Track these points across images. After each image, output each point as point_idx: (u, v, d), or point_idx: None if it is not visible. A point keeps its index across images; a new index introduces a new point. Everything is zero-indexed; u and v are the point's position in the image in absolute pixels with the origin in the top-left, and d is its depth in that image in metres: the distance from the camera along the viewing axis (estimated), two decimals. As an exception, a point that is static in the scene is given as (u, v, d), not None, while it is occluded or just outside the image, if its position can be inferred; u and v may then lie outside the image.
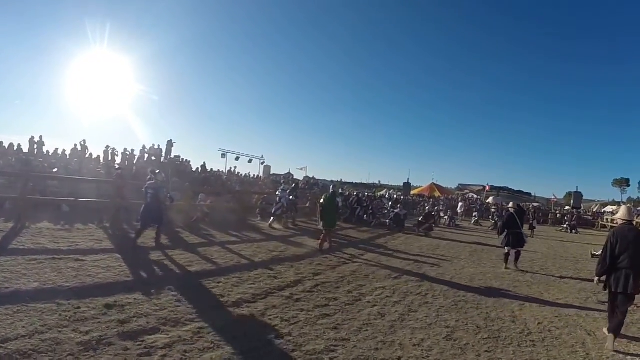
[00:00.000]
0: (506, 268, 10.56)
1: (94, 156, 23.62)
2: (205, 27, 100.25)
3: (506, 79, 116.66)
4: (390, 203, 22.91)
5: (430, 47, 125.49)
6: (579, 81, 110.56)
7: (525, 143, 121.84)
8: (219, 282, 6.82)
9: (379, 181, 73.71)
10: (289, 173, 34.74)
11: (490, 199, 44.49)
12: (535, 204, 45.18)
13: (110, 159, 24.44)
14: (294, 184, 19.55)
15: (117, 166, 18.53)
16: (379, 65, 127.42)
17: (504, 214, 13.71)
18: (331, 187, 13.52)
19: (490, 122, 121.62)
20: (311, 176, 36.16)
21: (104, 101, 53.91)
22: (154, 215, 9.26)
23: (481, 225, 26.89)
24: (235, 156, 34.79)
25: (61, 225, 10.25)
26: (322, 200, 11.85)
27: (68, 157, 21.89)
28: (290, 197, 16.17)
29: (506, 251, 10.65)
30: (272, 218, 15.44)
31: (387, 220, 18.85)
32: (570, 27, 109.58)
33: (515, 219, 10.58)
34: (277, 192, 16.22)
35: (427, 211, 19.62)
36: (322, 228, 11.59)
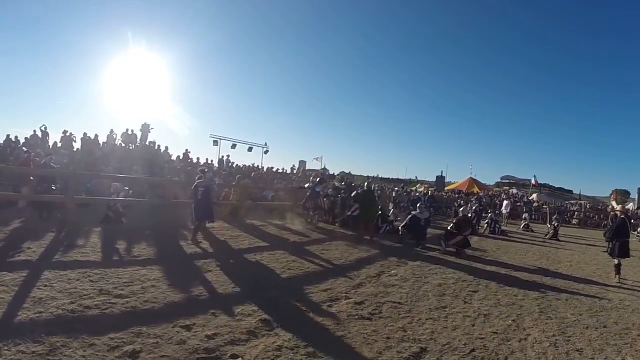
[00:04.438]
0: (619, 280, 9.34)
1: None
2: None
3: (564, 68, 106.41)
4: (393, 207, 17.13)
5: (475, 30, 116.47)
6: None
7: (566, 134, 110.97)
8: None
9: (416, 176, 68.88)
10: (324, 168, 31.45)
11: (533, 196, 38.44)
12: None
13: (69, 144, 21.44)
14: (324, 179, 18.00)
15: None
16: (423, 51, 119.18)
17: (611, 220, 11.53)
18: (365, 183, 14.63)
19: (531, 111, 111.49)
20: (347, 171, 32.87)
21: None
22: (207, 212, 9.79)
23: (532, 231, 20.66)
24: (231, 143, 29.31)
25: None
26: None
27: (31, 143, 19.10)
28: (319, 191, 14.85)
29: (617, 262, 9.55)
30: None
31: (400, 228, 12.65)
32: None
33: (627, 225, 9.77)
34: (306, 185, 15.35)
35: (459, 215, 12.69)
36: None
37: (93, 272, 6.25)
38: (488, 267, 9.53)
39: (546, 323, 5.74)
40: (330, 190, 14.87)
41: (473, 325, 5.38)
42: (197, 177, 10.31)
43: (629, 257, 9.70)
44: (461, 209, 12.54)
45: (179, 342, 4.11)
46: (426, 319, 5.41)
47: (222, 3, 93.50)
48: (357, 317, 5.27)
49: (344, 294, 6.23)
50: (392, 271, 8.16)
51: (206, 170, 10.79)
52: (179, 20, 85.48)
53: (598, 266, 11.02)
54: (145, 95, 49.65)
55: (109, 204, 11.46)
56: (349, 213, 13.97)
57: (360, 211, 12.47)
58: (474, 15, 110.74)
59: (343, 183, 20.12)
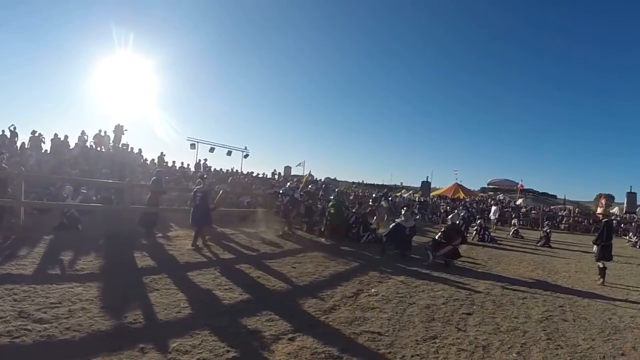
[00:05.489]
0: (603, 284, 9.28)
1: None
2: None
3: (549, 73, 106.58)
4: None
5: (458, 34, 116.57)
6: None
7: (548, 139, 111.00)
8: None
9: (401, 182, 67.92)
10: (310, 174, 30.20)
11: (519, 201, 37.90)
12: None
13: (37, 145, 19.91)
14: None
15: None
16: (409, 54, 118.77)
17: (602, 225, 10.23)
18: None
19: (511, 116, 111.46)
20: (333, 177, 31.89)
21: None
22: (203, 217, 9.98)
23: (522, 237, 19.87)
24: (209, 146, 28.10)
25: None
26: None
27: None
28: (296, 196, 13.47)
29: (602, 265, 9.54)
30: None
31: (383, 237, 11.60)
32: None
33: (612, 229, 10.14)
34: (281, 191, 13.94)
35: (448, 222, 11.50)
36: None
37: (21, 288, 5.34)
38: (481, 282, 8.49)
39: (557, 354, 4.77)
40: (301, 195, 13.67)
41: (470, 362, 4.34)
42: (197, 182, 10.98)
43: (611, 259, 9.90)
44: (450, 217, 11.45)
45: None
46: (411, 356, 4.35)
47: (200, 8, 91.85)
48: (323, 356, 4.19)
49: (311, 323, 5.14)
50: (372, 289, 7.04)
51: (205, 176, 11.70)
52: (162, 22, 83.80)
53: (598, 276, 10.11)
54: (123, 97, 48.04)
55: (63, 210, 10.36)
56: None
57: (330, 215, 12.86)
58: (459, 20, 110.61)
59: (310, 186, 18.23)
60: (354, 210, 14.12)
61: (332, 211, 13.05)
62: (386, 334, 4.95)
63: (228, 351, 4.06)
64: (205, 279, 6.86)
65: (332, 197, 13.86)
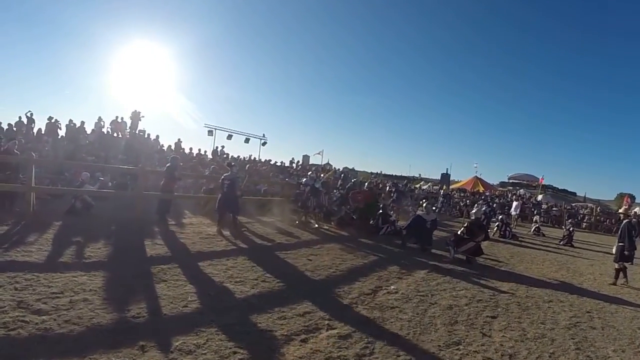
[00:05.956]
0: (616, 284, 9.18)
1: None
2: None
3: (572, 68, 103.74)
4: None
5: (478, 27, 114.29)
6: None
7: (570, 134, 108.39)
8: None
9: (420, 174, 66.66)
10: (328, 163, 29.84)
11: (540, 197, 36.65)
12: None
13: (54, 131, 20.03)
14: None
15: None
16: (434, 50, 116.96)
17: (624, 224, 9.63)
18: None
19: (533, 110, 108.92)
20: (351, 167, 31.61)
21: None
22: (231, 204, 10.08)
23: (544, 235, 19.06)
24: (226, 134, 27.85)
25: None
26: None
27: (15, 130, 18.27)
28: (317, 186, 13.01)
29: (617, 266, 9.36)
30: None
31: (403, 230, 11.18)
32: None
33: (630, 229, 9.31)
34: (303, 181, 13.71)
35: (472, 217, 10.70)
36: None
37: (24, 277, 5.10)
38: (505, 282, 8.03)
39: (587, 366, 4.35)
40: (320, 184, 13.26)
41: (497, 372, 3.96)
42: (227, 169, 11.09)
43: (631, 262, 9.44)
44: (473, 212, 10.90)
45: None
46: (435, 364, 3.98)
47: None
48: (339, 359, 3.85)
49: (327, 321, 4.78)
50: (392, 286, 6.66)
51: (233, 164, 11.96)
52: (181, 9, 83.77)
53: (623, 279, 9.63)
54: (141, 84, 48.12)
55: (75, 195, 10.21)
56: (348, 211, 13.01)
57: (361, 209, 12.53)
58: (482, 14, 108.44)
59: (321, 175, 17.84)
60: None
61: (361, 206, 12.79)
62: (406, 338, 4.58)
63: (235, 352, 3.74)
64: (217, 270, 6.55)
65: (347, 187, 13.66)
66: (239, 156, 26.10)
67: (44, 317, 4.05)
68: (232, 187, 10.07)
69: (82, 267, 5.85)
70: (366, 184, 17.70)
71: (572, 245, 15.99)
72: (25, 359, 3.28)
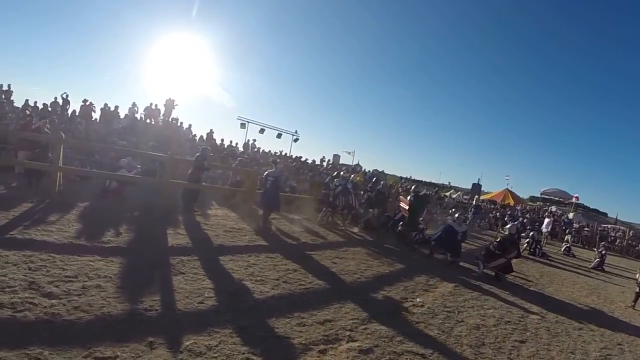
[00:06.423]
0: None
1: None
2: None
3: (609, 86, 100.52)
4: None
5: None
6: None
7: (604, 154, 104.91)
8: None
9: (449, 182, 65.41)
10: (358, 164, 29.52)
11: (571, 215, 35.34)
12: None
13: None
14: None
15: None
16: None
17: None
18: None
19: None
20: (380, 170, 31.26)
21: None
22: (273, 201, 10.05)
23: (574, 256, 18.26)
24: (259, 127, 27.78)
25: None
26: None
27: (50, 110, 18.33)
28: (348, 186, 12.55)
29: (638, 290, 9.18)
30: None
31: (432, 239, 10.74)
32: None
33: None
34: (335, 181, 12.85)
35: (505, 232, 10.42)
36: None
37: (40, 256, 4.97)
38: (534, 303, 7.60)
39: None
40: (351, 185, 12.88)
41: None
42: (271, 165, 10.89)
43: None
44: (508, 226, 10.39)
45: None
46: (462, 392, 3.65)
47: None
48: (357, 379, 3.55)
49: (348, 332, 4.49)
50: (418, 299, 6.32)
51: (278, 161, 11.82)
52: (218, 1, 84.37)
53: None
54: (179, 74, 48.63)
55: (106, 178, 10.24)
56: (396, 218, 12.66)
57: (408, 218, 11.90)
58: (533, 33, 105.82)
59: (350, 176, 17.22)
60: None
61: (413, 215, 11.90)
62: (431, 358, 4.25)
63: (248, 359, 3.49)
64: (237, 266, 6.32)
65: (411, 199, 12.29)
66: (269, 151, 25.95)
67: (53, 301, 3.91)
68: (275, 183, 10.00)
69: (99, 251, 5.70)
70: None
71: (602, 270, 15.29)
72: (26, 344, 3.11)
